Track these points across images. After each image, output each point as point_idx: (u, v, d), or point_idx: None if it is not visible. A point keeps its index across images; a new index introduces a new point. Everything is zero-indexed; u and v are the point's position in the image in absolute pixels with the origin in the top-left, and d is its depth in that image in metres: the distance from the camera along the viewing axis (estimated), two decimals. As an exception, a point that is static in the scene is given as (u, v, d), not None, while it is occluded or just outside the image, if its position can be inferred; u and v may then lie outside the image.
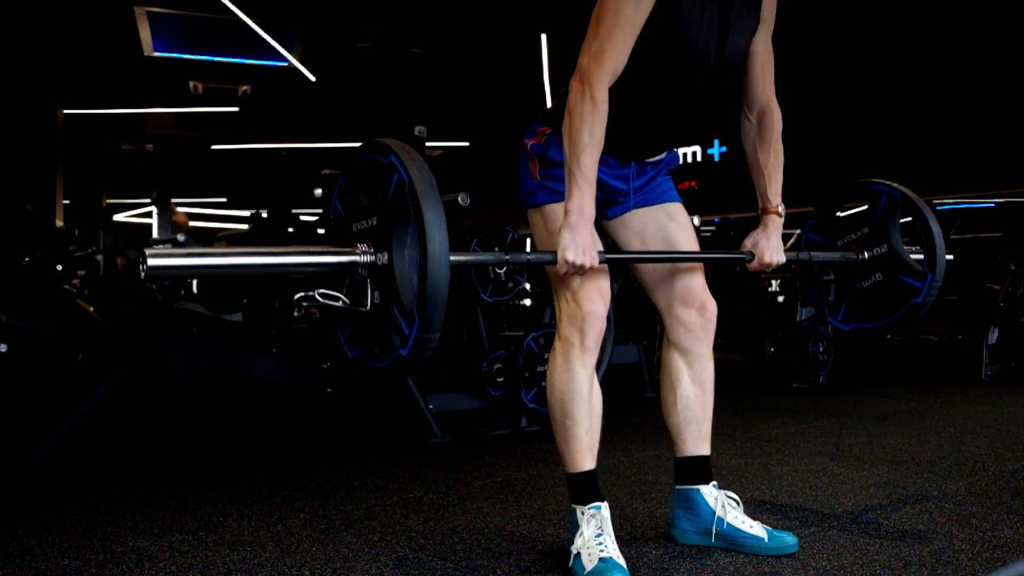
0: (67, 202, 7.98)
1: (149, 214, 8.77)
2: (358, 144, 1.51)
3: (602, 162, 1.67)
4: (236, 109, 8.62)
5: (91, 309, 3.70)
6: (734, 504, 1.84)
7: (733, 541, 1.80)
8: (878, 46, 6.65)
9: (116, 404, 3.69)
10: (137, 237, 9.50)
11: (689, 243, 1.85)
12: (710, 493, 1.83)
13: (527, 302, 9.22)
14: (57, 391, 3.53)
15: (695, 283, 1.83)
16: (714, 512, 1.81)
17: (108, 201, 6.35)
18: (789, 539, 1.78)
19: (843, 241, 2.10)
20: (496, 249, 3.37)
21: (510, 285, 3.39)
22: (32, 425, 3.32)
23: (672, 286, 1.83)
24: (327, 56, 6.99)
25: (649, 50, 1.62)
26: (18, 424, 3.49)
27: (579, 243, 1.56)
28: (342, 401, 3.50)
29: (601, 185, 1.73)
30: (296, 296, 1.43)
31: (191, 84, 7.82)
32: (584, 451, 1.70)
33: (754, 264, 1.81)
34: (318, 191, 8.79)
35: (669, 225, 1.84)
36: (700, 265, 1.85)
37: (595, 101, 1.56)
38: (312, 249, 1.39)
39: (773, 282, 7.89)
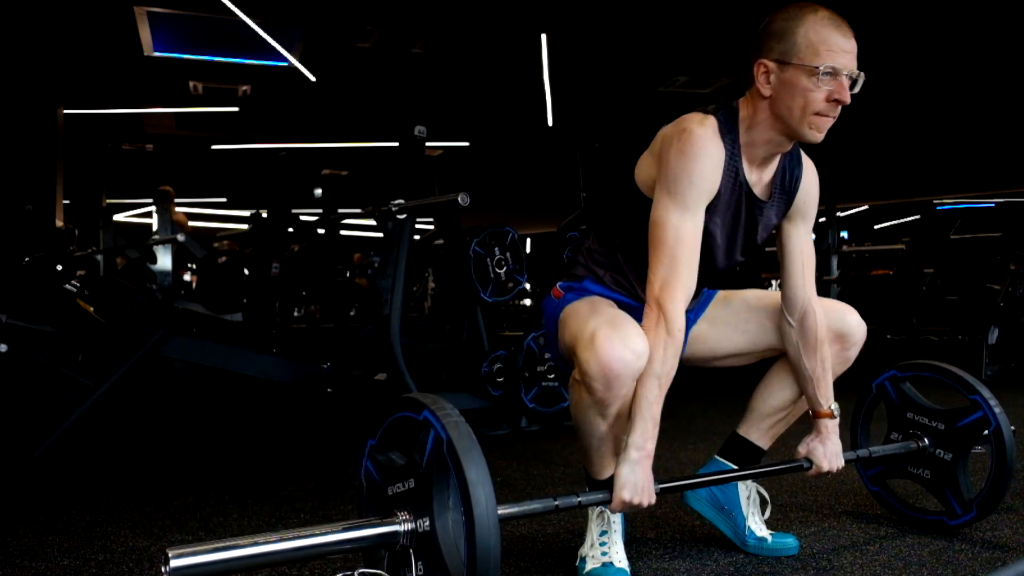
0: (67, 202, 7.97)
1: (149, 214, 8.77)
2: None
3: None
4: (236, 109, 8.61)
5: (91, 309, 3.69)
6: (759, 503, 1.84)
7: (739, 537, 1.80)
8: (878, 46, 6.65)
9: (116, 404, 3.69)
10: (137, 237, 9.51)
11: (740, 295, 1.81)
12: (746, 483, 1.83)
13: (527, 302, 9.24)
14: (57, 391, 3.52)
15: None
16: (745, 516, 1.81)
17: (108, 201, 6.36)
18: (790, 540, 1.79)
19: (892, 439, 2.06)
20: (496, 251, 3.37)
21: (510, 285, 3.39)
22: (32, 425, 3.31)
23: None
24: (327, 56, 6.98)
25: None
26: (18, 424, 3.49)
27: (639, 481, 1.47)
28: (342, 401, 3.50)
29: None
30: None
31: (191, 84, 7.80)
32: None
33: (812, 472, 1.74)
34: (318, 191, 8.77)
35: (721, 314, 1.78)
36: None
37: (671, 331, 1.47)
38: (346, 524, 1.27)
39: (773, 282, 7.90)
